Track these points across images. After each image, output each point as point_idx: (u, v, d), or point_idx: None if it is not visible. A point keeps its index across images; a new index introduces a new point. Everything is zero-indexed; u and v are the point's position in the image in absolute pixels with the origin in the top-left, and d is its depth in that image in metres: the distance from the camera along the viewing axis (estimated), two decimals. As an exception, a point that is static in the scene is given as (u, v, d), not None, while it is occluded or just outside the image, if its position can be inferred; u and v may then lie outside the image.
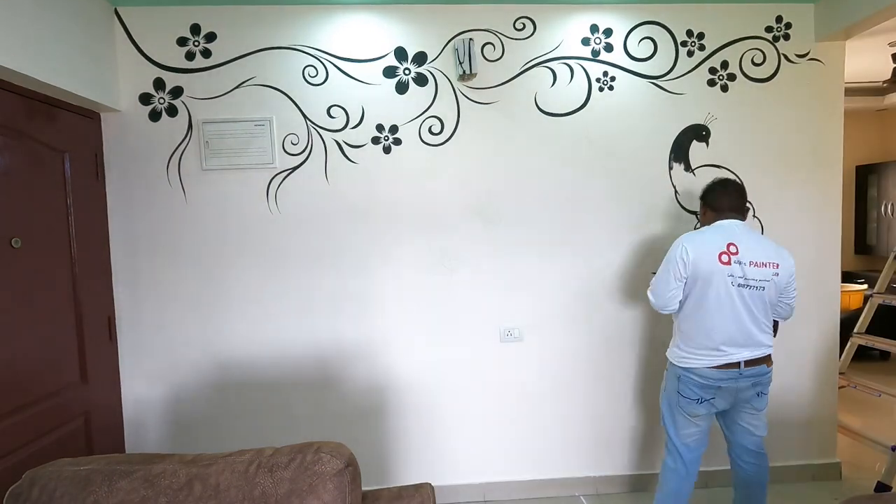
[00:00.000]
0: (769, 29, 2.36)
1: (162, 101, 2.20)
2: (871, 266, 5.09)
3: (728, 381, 1.81)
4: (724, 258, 1.78)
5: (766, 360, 1.85)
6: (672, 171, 2.37)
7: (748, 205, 2.01)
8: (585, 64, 2.32)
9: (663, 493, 1.95)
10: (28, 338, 1.77)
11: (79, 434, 2.01)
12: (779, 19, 2.35)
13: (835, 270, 2.46)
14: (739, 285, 1.78)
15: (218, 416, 2.32)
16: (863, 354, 4.41)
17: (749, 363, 1.81)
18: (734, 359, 1.80)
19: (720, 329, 1.79)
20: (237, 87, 2.22)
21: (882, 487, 2.33)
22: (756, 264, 1.78)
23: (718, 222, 1.87)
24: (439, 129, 2.29)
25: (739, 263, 1.78)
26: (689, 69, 2.34)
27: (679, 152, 2.37)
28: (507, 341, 2.37)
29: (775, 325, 1.92)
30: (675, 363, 1.89)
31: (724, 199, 1.90)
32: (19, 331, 1.74)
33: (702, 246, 1.81)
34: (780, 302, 1.88)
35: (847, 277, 4.61)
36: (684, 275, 1.82)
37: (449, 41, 2.26)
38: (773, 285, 1.80)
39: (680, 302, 1.86)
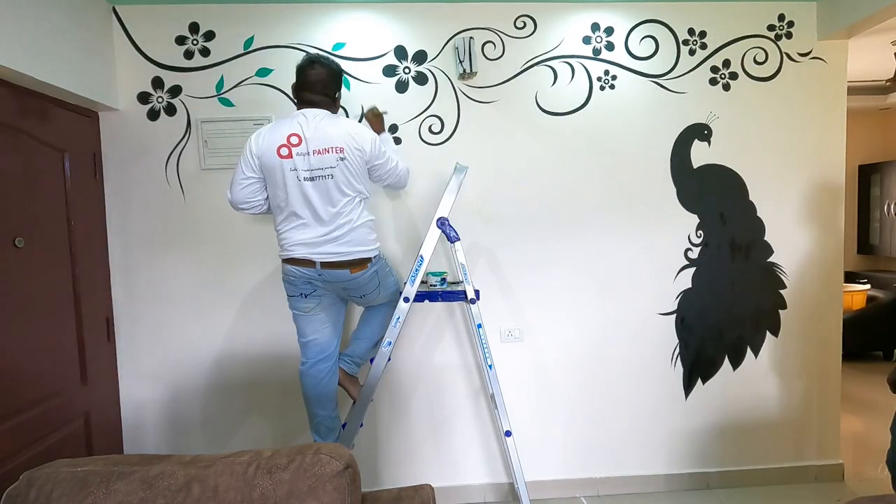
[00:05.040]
0: (771, 27, 2.34)
1: (160, 99, 2.19)
2: (873, 266, 5.08)
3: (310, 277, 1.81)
4: (284, 151, 1.76)
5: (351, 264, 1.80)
6: (673, 171, 2.36)
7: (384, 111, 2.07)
8: (586, 63, 2.31)
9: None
10: (30, 339, 1.77)
11: (79, 435, 2.00)
12: (781, 17, 2.34)
13: (837, 270, 2.45)
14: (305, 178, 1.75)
15: (217, 417, 2.31)
16: (864, 355, 4.42)
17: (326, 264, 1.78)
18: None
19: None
20: (236, 86, 2.21)
21: None
22: (319, 152, 1.75)
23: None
24: (439, 128, 2.28)
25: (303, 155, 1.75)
26: (691, 68, 2.33)
27: (681, 152, 2.36)
28: (507, 341, 2.36)
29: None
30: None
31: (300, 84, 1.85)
32: (22, 332, 1.73)
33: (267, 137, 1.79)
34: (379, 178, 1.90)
35: (849, 277, 4.60)
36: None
37: (449, 40, 2.25)
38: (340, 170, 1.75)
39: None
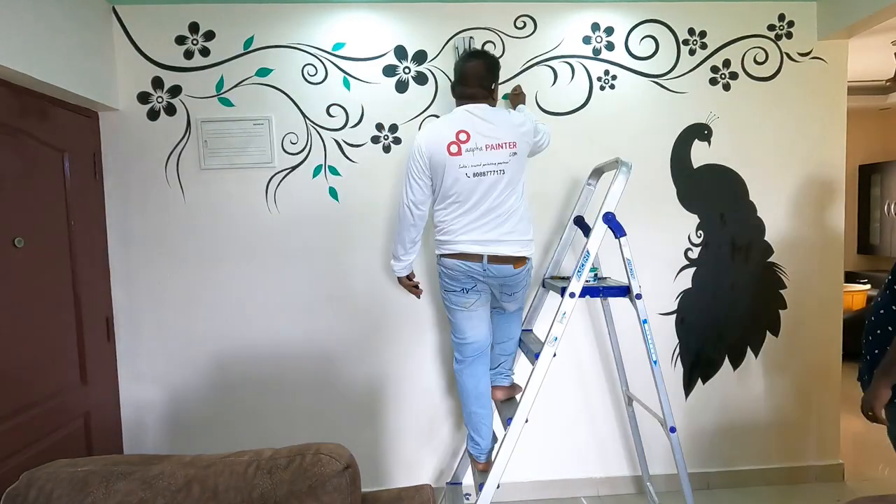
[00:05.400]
0: (771, 27, 2.34)
1: (160, 99, 2.19)
2: (873, 266, 5.07)
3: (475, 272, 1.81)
4: (454, 148, 1.74)
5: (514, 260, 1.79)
6: (673, 171, 2.36)
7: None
8: (586, 62, 2.30)
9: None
10: (30, 339, 1.77)
11: (79, 435, 2.00)
12: (781, 17, 2.34)
13: (837, 270, 2.45)
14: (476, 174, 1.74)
15: (216, 417, 2.31)
16: (865, 354, 4.41)
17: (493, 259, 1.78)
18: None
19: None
20: (236, 86, 2.21)
21: None
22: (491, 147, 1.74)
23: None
24: (440, 128, 2.28)
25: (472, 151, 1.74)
26: (691, 68, 2.33)
27: (681, 152, 2.36)
28: (507, 341, 2.35)
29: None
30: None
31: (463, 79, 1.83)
32: (22, 332, 1.73)
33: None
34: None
35: (850, 277, 4.60)
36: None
37: (449, 40, 2.25)
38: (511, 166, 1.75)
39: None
